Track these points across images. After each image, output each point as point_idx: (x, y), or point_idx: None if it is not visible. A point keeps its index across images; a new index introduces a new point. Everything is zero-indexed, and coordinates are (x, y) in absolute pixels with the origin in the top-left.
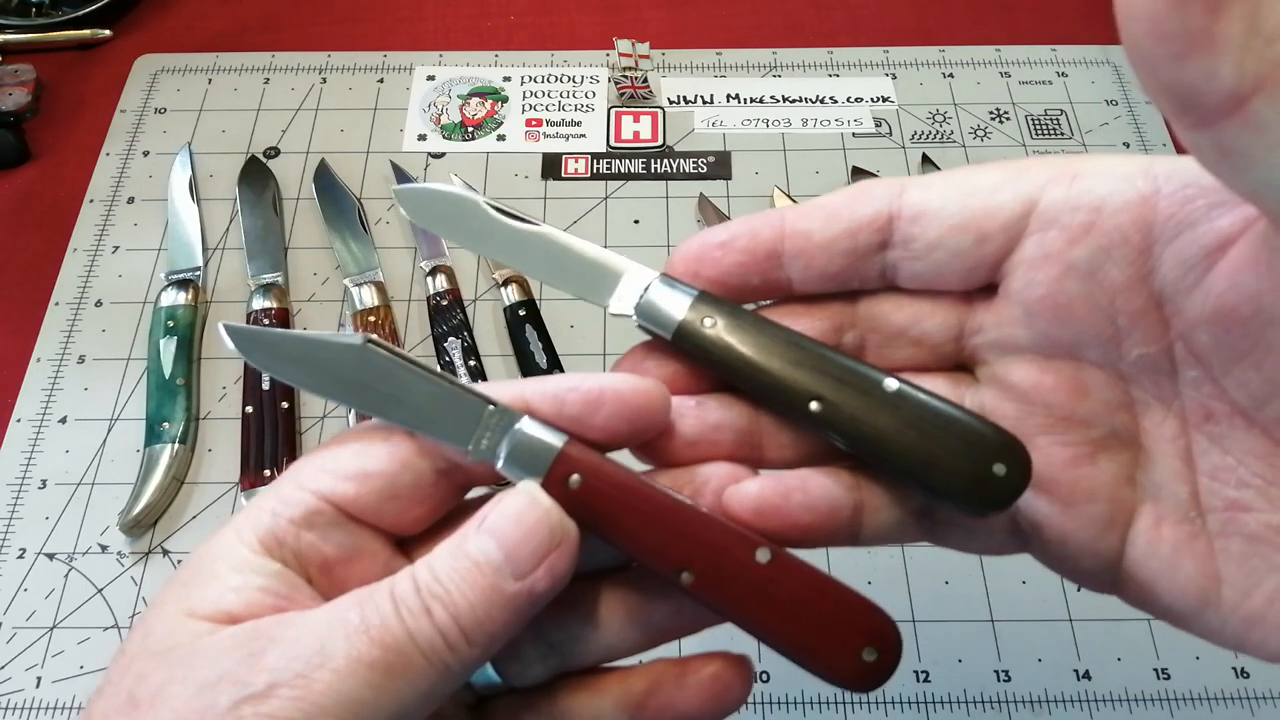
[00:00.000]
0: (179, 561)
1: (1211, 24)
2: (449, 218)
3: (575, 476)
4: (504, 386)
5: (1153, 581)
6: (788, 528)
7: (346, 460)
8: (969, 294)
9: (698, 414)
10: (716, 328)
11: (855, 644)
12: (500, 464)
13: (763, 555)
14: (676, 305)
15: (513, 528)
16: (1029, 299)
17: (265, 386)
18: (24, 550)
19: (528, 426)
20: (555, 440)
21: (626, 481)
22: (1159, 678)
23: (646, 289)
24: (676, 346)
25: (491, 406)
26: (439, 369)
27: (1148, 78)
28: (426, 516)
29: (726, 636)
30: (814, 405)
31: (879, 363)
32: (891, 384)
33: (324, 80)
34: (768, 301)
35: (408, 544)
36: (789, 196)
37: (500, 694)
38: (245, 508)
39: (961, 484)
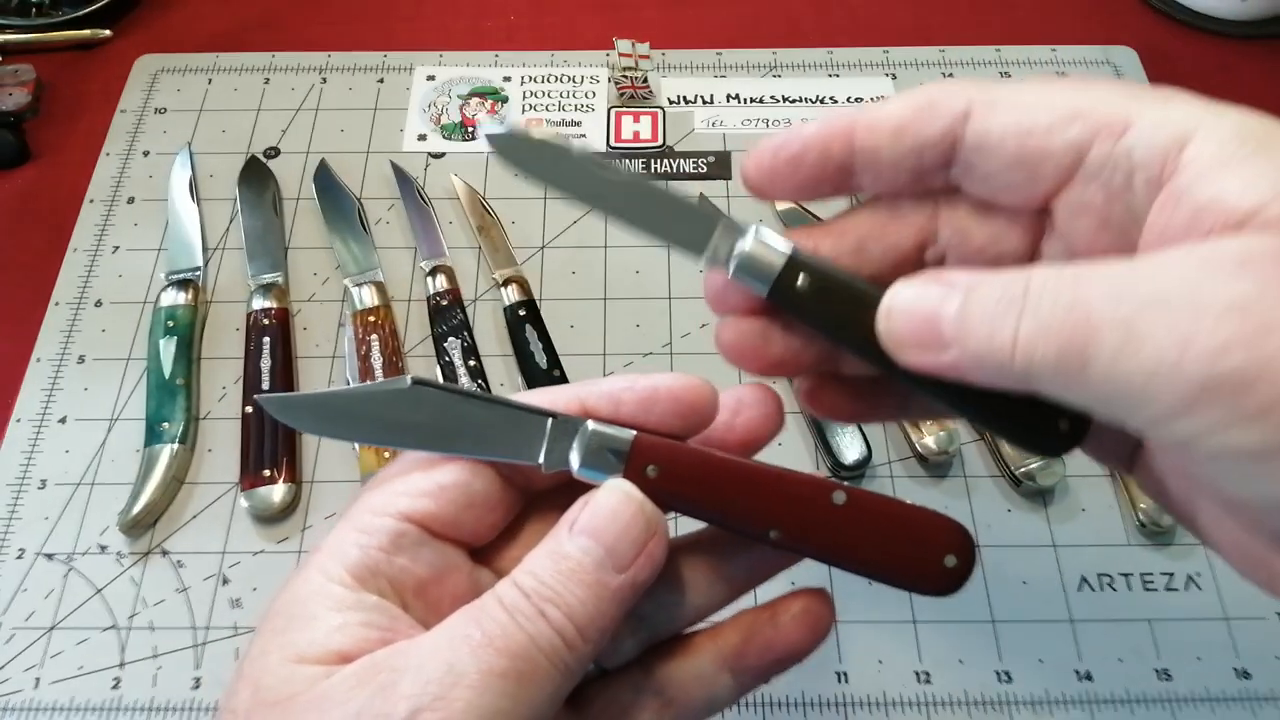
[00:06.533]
0: (179, 562)
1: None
2: (536, 164)
3: (651, 466)
4: (557, 393)
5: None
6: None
7: (418, 479)
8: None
9: (784, 338)
10: (808, 287)
11: (937, 555)
12: (576, 469)
13: (839, 497)
14: (769, 265)
15: (610, 523)
16: (1072, 244)
17: (265, 387)
18: (23, 550)
19: (594, 427)
20: (625, 436)
21: (701, 459)
22: (1160, 679)
23: (740, 246)
24: (770, 300)
25: (553, 418)
26: (486, 390)
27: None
28: (499, 523)
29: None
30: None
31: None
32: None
33: (324, 80)
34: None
35: (480, 558)
36: None
37: (592, 679)
38: (322, 546)
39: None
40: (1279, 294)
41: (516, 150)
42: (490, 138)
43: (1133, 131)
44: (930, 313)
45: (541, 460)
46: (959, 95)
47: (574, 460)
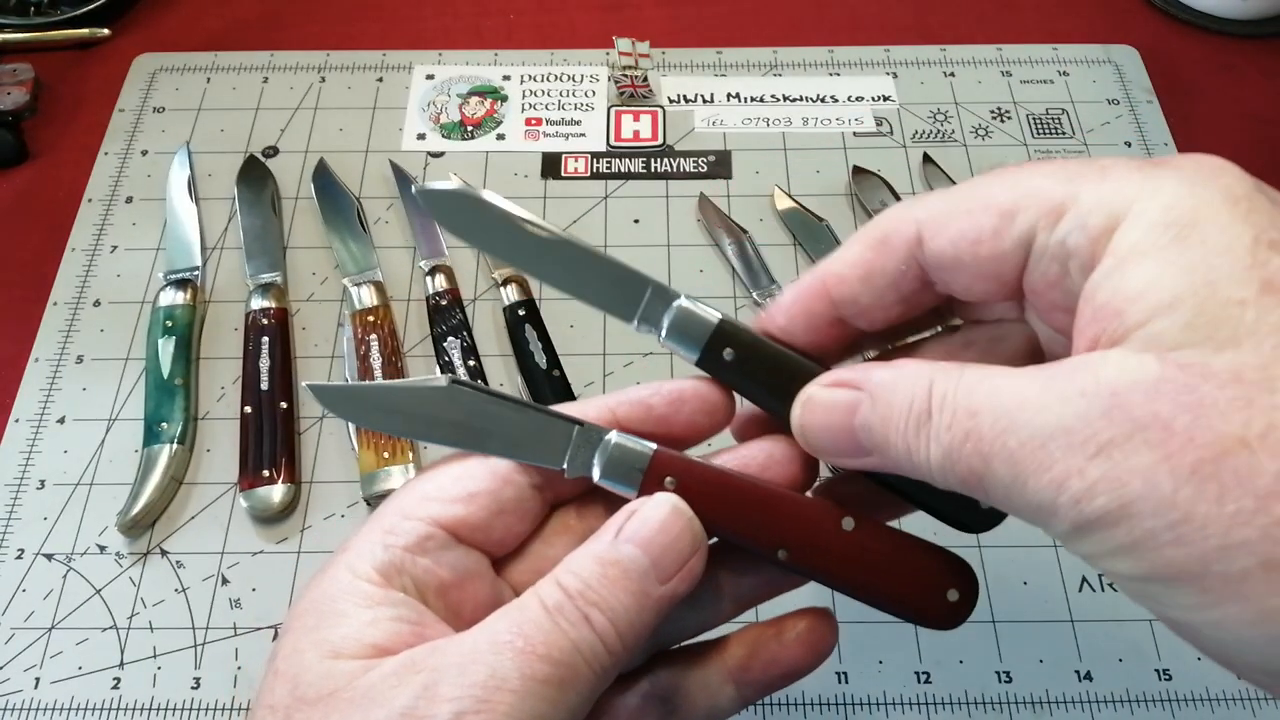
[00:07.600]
0: (178, 562)
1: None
2: (470, 222)
3: (669, 479)
4: (589, 404)
5: None
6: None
7: (449, 485)
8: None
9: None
10: (736, 357)
11: (940, 588)
12: (597, 477)
13: (848, 523)
14: (699, 332)
15: (658, 535)
16: (1040, 315)
17: (264, 387)
18: (22, 551)
19: (617, 439)
20: (645, 449)
21: (718, 476)
22: (1161, 679)
23: (671, 311)
24: (700, 365)
25: (579, 426)
26: (521, 396)
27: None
28: (525, 531)
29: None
30: None
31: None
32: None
33: (323, 79)
34: None
35: (499, 566)
36: (789, 196)
37: None
38: (349, 546)
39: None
40: (1141, 439)
41: (449, 209)
42: (422, 193)
43: (1068, 217)
44: (842, 424)
45: (565, 466)
46: (907, 222)
47: (595, 469)
